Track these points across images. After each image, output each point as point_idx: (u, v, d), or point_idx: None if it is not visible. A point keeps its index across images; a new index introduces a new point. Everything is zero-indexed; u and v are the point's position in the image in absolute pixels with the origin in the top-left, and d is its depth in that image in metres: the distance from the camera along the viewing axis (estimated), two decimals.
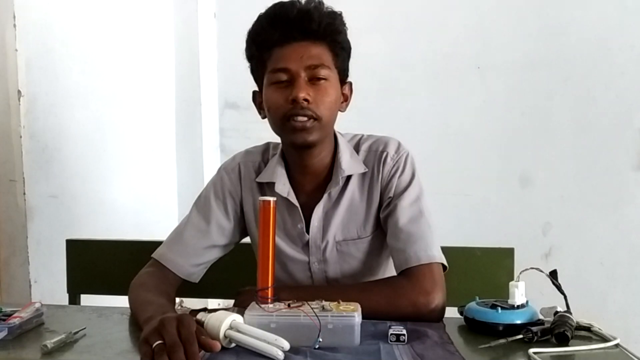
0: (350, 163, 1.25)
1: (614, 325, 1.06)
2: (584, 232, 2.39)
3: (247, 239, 1.34)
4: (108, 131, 2.15)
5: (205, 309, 1.04)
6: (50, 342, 0.94)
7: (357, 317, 0.95)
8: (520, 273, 1.07)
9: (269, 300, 1.00)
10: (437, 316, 1.11)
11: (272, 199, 1.03)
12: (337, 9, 1.21)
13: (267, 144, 1.34)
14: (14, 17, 1.72)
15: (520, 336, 0.97)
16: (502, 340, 0.96)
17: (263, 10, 1.20)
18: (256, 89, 1.26)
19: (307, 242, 1.26)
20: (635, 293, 2.36)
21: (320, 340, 0.93)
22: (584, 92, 2.37)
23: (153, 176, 2.46)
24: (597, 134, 2.37)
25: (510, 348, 0.95)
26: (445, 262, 1.18)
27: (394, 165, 1.24)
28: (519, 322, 1.01)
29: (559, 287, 1.07)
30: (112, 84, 2.16)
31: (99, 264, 1.63)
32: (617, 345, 0.96)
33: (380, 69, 2.44)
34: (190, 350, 0.85)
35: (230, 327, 0.92)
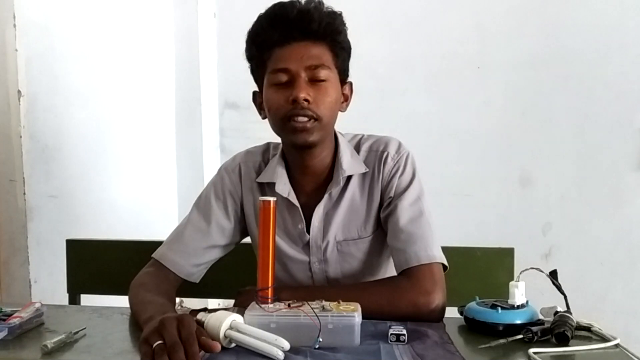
0: (350, 163, 1.24)
1: (614, 325, 1.06)
2: (584, 232, 2.39)
3: (247, 239, 1.34)
4: (108, 131, 2.15)
5: (205, 309, 1.04)
6: (50, 342, 0.94)
7: (357, 317, 0.95)
8: (520, 273, 1.07)
9: (269, 300, 1.00)
10: (437, 316, 1.11)
11: (272, 199, 1.02)
12: (337, 9, 1.21)
13: (268, 144, 1.34)
14: (14, 17, 1.72)
15: (520, 336, 0.97)
16: (502, 340, 0.96)
17: (263, 11, 1.20)
18: (256, 89, 1.26)
19: (308, 242, 1.26)
20: (635, 293, 2.36)
21: (321, 340, 0.93)
22: (584, 92, 2.37)
23: (153, 176, 2.46)
24: (597, 134, 2.37)
25: (510, 348, 0.95)
26: (445, 262, 1.18)
27: (394, 165, 1.24)
28: (519, 322, 1.01)
29: (559, 287, 1.07)
30: (112, 84, 2.16)
31: (99, 264, 1.63)
32: (617, 345, 0.96)
33: (380, 69, 2.44)
34: (190, 350, 0.85)
35: (231, 327, 0.92)
